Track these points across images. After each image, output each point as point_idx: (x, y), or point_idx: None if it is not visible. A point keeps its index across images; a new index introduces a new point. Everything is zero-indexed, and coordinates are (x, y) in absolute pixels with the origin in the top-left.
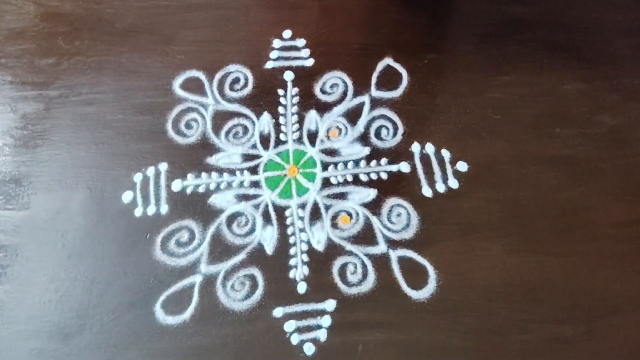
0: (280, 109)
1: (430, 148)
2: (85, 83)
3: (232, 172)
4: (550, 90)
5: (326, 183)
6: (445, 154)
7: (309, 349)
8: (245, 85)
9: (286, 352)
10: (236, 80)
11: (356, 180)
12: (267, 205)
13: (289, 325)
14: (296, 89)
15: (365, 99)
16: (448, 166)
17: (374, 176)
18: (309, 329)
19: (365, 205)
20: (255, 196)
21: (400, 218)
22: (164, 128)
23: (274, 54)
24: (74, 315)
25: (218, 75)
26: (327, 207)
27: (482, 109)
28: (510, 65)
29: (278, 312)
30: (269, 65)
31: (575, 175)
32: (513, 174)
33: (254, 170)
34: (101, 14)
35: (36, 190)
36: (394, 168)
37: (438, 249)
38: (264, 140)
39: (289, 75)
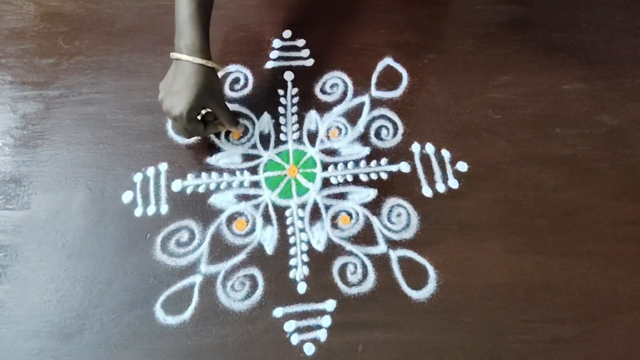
0: (280, 109)
1: (430, 148)
2: (85, 83)
3: (232, 172)
4: (550, 90)
5: (326, 183)
6: (445, 154)
7: (309, 349)
8: (245, 85)
9: (286, 352)
10: (236, 80)
11: (356, 180)
12: (267, 206)
13: (289, 326)
14: (296, 89)
15: (365, 99)
16: (448, 166)
17: (374, 176)
18: (309, 329)
19: (365, 205)
20: (255, 196)
21: (400, 218)
22: (164, 128)
23: (274, 54)
24: (74, 315)
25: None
26: (327, 207)
27: (482, 109)
28: (510, 65)
29: (278, 312)
30: (269, 65)
31: (575, 175)
32: (513, 174)
33: (254, 170)
34: (101, 14)
35: (36, 190)
36: (394, 168)
37: (438, 249)
38: (264, 140)
39: (289, 75)
